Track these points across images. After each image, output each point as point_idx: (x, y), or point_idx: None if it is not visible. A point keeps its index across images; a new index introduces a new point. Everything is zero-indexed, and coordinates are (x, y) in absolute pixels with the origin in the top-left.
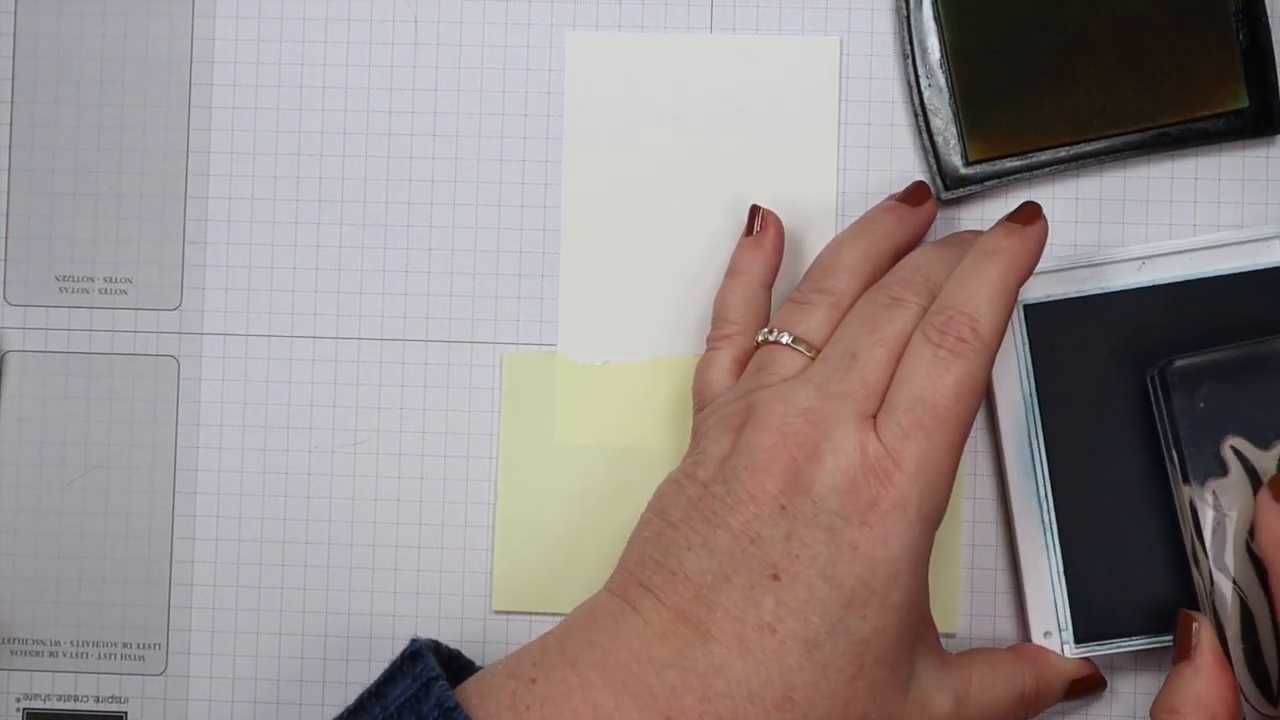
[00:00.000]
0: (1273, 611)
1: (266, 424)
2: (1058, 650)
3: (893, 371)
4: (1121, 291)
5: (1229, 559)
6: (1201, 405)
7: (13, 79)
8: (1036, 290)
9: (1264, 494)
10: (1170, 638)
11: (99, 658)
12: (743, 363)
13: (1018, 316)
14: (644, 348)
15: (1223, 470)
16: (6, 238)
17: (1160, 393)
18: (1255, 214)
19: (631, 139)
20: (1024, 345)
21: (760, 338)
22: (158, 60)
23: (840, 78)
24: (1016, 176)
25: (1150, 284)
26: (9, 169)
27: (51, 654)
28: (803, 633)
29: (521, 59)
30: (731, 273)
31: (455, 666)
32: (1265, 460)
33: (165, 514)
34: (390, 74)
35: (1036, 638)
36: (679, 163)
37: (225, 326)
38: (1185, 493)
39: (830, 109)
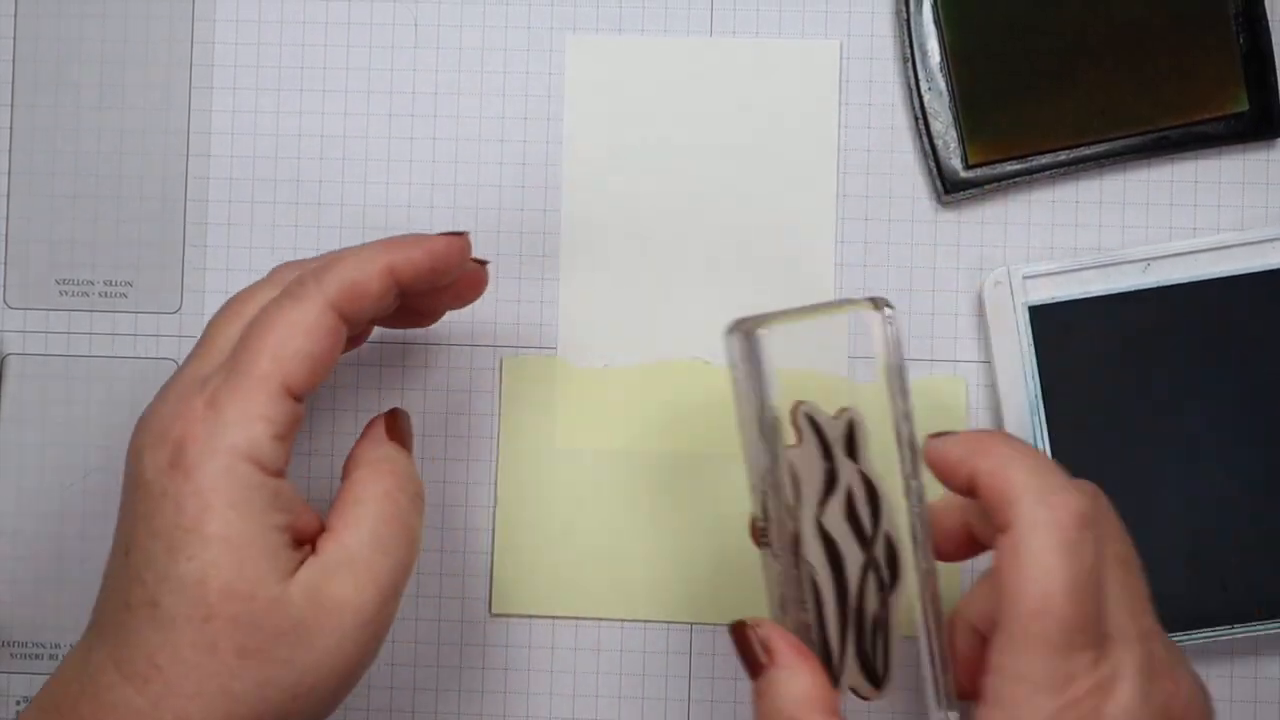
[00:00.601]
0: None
1: None
2: None
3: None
4: (1127, 293)
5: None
6: None
7: (13, 82)
8: (1042, 291)
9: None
10: (1178, 636)
11: None
12: None
13: (1023, 317)
14: (644, 351)
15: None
16: (7, 241)
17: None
18: (1255, 217)
19: (631, 142)
20: (1029, 346)
21: None
22: (157, 63)
23: (840, 81)
24: (1016, 179)
25: (1155, 285)
26: (9, 172)
27: (52, 657)
28: (145, 597)
29: (521, 62)
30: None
31: None
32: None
33: None
34: (390, 77)
35: None
36: (679, 166)
37: None
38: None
39: (830, 112)
